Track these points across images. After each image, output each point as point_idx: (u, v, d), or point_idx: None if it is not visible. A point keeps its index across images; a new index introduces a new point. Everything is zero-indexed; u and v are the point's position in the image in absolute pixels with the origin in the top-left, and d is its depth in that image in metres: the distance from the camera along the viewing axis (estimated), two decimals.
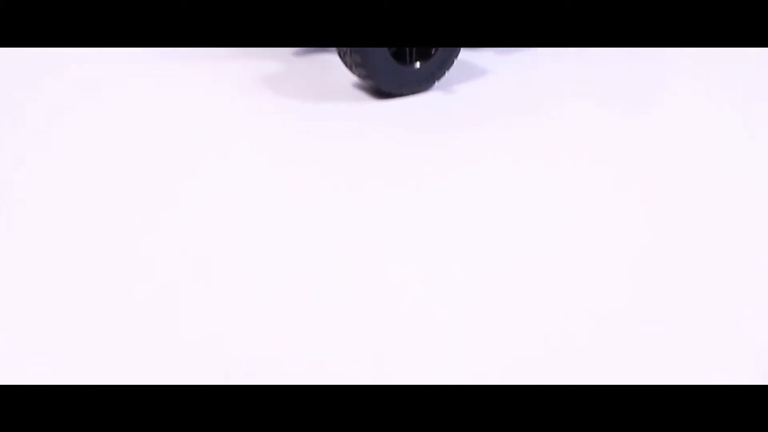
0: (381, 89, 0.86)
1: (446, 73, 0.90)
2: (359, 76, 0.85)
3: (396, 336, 0.51)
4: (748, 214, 0.66)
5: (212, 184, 0.70)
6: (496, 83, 0.95)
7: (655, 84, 0.99)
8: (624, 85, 0.98)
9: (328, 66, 0.97)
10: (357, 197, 0.68)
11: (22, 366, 0.48)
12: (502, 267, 0.59)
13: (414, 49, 0.86)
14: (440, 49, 0.86)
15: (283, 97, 0.89)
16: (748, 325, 0.52)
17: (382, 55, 0.82)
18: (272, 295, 0.55)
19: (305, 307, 0.54)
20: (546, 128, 0.83)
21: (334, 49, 0.88)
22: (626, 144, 0.80)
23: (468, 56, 1.02)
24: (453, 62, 0.90)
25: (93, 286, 0.56)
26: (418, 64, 0.87)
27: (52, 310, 0.53)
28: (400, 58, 0.85)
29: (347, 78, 0.91)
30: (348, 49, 0.81)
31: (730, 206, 0.67)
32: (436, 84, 0.90)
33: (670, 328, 0.52)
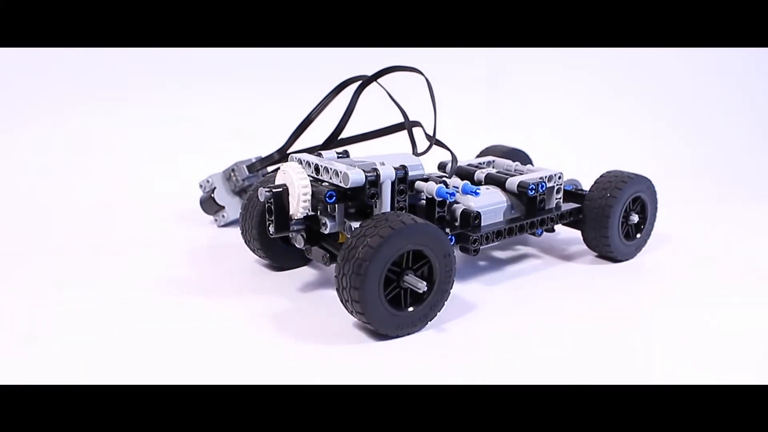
0: (379, 332, 0.95)
1: (437, 314, 1.00)
2: (360, 320, 0.94)
3: None
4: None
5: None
6: (484, 315, 1.04)
7: (628, 296, 1.12)
8: (606, 301, 1.11)
9: (329, 303, 1.07)
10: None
11: None
12: None
13: (408, 294, 0.96)
14: (431, 294, 0.96)
15: (288, 337, 0.96)
16: None
17: (378, 304, 0.91)
18: None
19: None
20: (533, 357, 0.91)
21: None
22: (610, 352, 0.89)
23: (456, 290, 1.12)
24: (443, 305, 0.99)
25: None
26: (411, 308, 0.96)
27: None
28: (396, 303, 0.95)
29: (348, 318, 1.00)
30: (349, 297, 0.91)
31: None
32: (429, 323, 0.99)
33: None
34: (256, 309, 1.05)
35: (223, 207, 1.45)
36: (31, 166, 1.81)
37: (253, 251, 1.20)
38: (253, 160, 1.43)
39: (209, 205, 1.46)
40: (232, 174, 1.43)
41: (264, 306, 1.06)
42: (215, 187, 1.44)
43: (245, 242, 1.20)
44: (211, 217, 1.50)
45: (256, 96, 2.05)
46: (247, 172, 1.42)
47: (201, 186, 1.46)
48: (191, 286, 1.14)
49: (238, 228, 1.23)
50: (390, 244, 0.90)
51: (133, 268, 1.22)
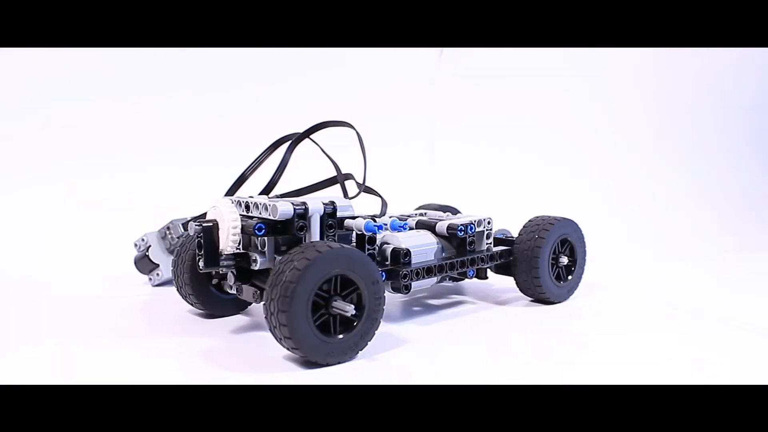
0: (309, 360, 0.94)
1: (368, 343, 0.99)
2: (289, 347, 0.93)
3: None
4: None
5: None
6: (417, 349, 1.04)
7: (562, 331, 1.11)
8: (543, 334, 1.10)
9: (262, 341, 1.06)
10: None
11: None
12: None
13: (337, 321, 0.96)
14: (361, 321, 0.96)
15: (218, 368, 0.95)
16: None
17: (307, 327, 0.91)
18: None
19: None
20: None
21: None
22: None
23: (390, 329, 1.12)
24: (374, 334, 0.99)
25: None
26: (341, 336, 0.96)
27: None
28: (325, 330, 0.94)
29: (279, 351, 0.99)
30: (277, 322, 0.91)
31: None
32: (360, 353, 0.99)
33: None
34: (186, 347, 1.03)
35: (158, 265, 1.44)
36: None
37: (185, 298, 1.18)
38: (189, 219, 1.44)
39: (144, 264, 1.45)
40: (168, 232, 1.43)
41: (194, 345, 1.04)
42: (150, 246, 1.43)
43: (177, 289, 1.19)
44: (146, 278, 1.48)
45: (192, 153, 2.09)
46: (183, 230, 1.42)
47: (136, 245, 1.45)
48: (122, 329, 1.13)
49: (174, 287, 1.22)
50: (317, 266, 0.91)
51: (64, 318, 1.20)
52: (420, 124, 2.41)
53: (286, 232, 1.03)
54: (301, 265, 0.90)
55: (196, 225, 1.02)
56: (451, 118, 2.44)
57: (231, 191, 1.40)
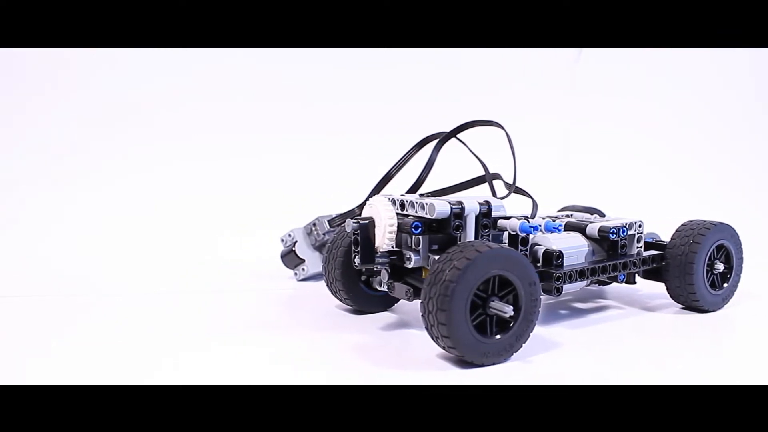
0: (464, 359, 0.94)
1: (523, 345, 0.98)
2: (445, 346, 0.94)
3: None
4: None
5: None
6: (571, 352, 1.02)
7: (718, 342, 1.06)
8: (697, 341, 1.07)
9: (412, 339, 1.07)
10: None
11: None
12: None
13: (494, 322, 0.95)
14: (517, 323, 0.96)
15: (373, 365, 0.97)
16: None
17: (465, 327, 0.91)
18: None
19: None
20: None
21: (421, 324, 0.98)
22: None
23: (540, 332, 1.11)
24: (529, 336, 0.98)
25: None
26: (498, 336, 0.96)
27: None
28: (482, 330, 0.94)
29: (432, 350, 1.00)
30: (435, 320, 0.91)
31: None
32: (514, 355, 0.98)
33: None
34: (338, 342, 1.06)
35: (304, 260, 1.48)
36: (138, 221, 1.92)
37: (334, 293, 1.21)
38: (334, 215, 1.47)
39: (290, 258, 1.50)
40: (314, 228, 1.47)
41: (346, 340, 1.07)
42: (296, 241, 1.48)
43: (327, 285, 1.22)
44: (291, 272, 1.53)
45: (334, 151, 2.14)
46: (328, 227, 1.45)
47: (282, 240, 1.50)
48: (273, 323, 1.18)
49: (318, 282, 1.25)
50: (476, 266, 0.91)
51: (214, 311, 1.26)
52: (554, 125, 2.37)
53: (441, 231, 1.04)
54: (461, 264, 0.90)
55: (353, 222, 1.04)
56: (587, 119, 2.38)
57: (376, 190, 1.42)
